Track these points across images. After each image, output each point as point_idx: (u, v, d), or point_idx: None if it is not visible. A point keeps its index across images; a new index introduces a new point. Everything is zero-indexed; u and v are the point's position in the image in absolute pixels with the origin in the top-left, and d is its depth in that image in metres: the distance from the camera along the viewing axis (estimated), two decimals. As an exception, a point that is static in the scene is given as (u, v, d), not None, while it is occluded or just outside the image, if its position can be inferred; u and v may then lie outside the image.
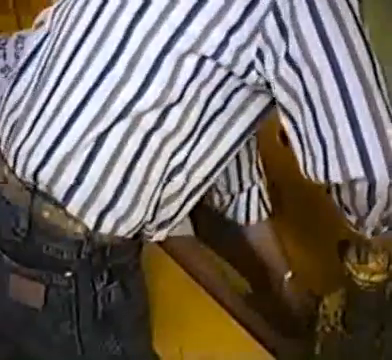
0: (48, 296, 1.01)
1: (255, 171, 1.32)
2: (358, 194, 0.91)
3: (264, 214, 1.34)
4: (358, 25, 0.89)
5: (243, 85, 0.95)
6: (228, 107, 0.97)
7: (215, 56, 0.91)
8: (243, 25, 0.89)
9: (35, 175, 0.97)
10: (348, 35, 0.88)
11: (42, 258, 0.99)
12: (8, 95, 1.07)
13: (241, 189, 1.33)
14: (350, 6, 0.89)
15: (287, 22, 0.88)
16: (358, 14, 0.89)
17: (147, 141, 0.95)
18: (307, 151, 0.91)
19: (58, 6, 1.07)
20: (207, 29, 0.90)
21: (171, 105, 0.94)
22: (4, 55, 1.51)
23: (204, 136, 0.98)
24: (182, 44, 0.91)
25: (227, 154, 1.02)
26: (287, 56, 0.89)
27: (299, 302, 1.35)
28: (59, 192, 0.97)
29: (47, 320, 1.04)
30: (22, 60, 1.07)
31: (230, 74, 0.93)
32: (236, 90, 0.96)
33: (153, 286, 1.18)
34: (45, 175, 0.97)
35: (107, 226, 0.98)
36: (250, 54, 0.91)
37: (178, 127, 0.96)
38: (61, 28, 1.02)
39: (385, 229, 1.01)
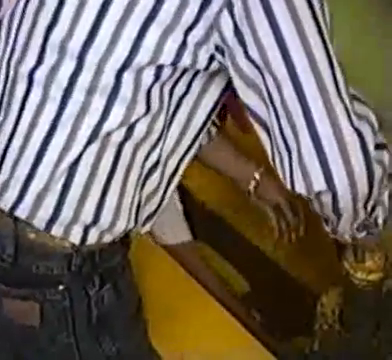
0: (43, 312, 1.00)
1: None
2: (324, 206, 0.91)
3: (212, 131, 1.28)
4: (318, 26, 0.85)
5: (198, 72, 0.93)
6: (191, 91, 0.95)
7: (174, 63, 0.90)
8: (199, 23, 0.87)
9: (17, 202, 0.97)
10: (306, 38, 0.84)
11: (32, 277, 0.99)
12: None
13: None
14: (311, 5, 0.85)
15: (243, 22, 0.86)
16: (319, 14, 0.86)
17: (120, 153, 0.95)
18: (277, 159, 0.90)
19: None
20: (162, 40, 0.89)
21: (138, 118, 0.93)
22: None
23: (173, 125, 0.97)
24: (140, 59, 0.89)
25: (195, 138, 1.01)
26: (247, 55, 0.87)
27: (278, 195, 1.30)
28: (39, 223, 0.97)
29: (44, 334, 1.03)
30: None
31: (187, 70, 0.92)
32: (196, 74, 0.94)
33: (151, 285, 1.19)
34: (22, 212, 0.96)
35: (93, 238, 0.98)
36: (208, 50, 0.89)
37: (148, 132, 0.95)
38: (9, 59, 0.99)
39: (363, 234, 1.01)
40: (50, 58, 0.93)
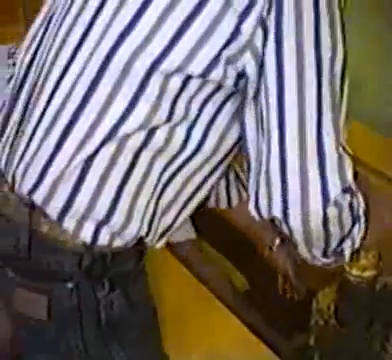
0: (51, 307, 1.01)
1: None
2: (284, 230, 0.95)
3: (244, 193, 1.33)
4: (319, 98, 0.89)
5: (233, 94, 0.94)
6: (222, 113, 0.96)
7: (203, 75, 0.90)
8: (237, 37, 0.88)
9: (34, 188, 0.98)
10: (303, 111, 0.89)
11: (44, 271, 1.00)
12: (8, 116, 1.08)
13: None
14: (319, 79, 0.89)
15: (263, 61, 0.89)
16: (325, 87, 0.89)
17: (137, 159, 0.95)
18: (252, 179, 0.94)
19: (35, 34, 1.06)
20: (194, 49, 0.89)
21: (158, 125, 0.93)
22: (14, 64, 1.50)
23: (207, 141, 0.97)
24: (168, 65, 0.90)
25: (220, 162, 1.01)
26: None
27: (291, 265, 1.35)
28: (53, 212, 0.97)
29: (53, 331, 1.04)
30: (16, 83, 1.07)
31: (219, 87, 0.93)
32: (228, 98, 0.95)
33: (157, 288, 1.17)
34: (38, 196, 0.98)
35: (104, 239, 0.98)
36: (238, 67, 0.90)
37: (167, 143, 0.95)
38: (48, 52, 1.01)
39: (328, 261, 1.03)
40: (85, 51, 0.95)
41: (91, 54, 0.94)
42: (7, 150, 1.05)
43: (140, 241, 1.02)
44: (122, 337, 1.05)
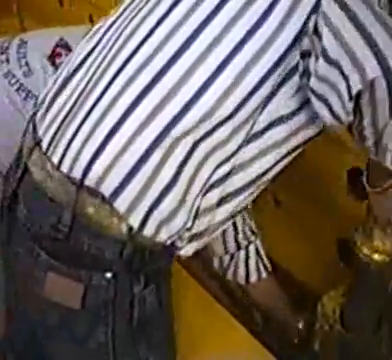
0: (86, 296, 0.99)
1: (249, 232, 1.35)
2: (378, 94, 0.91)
3: (263, 273, 1.36)
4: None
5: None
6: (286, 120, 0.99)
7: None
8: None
9: (88, 166, 0.96)
10: None
11: (83, 256, 0.98)
12: (56, 95, 1.06)
13: (238, 248, 1.36)
14: None
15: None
16: None
17: (194, 149, 0.95)
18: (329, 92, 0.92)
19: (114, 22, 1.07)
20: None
21: (222, 120, 0.95)
22: (7, 59, 1.49)
23: (249, 146, 0.99)
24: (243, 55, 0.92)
25: (258, 179, 1.03)
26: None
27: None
28: (108, 186, 0.96)
29: (83, 322, 1.02)
30: (71, 67, 1.07)
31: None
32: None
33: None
34: (93, 176, 0.96)
35: (150, 228, 0.97)
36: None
37: (227, 141, 0.96)
38: (115, 41, 1.02)
39: None
40: (148, 48, 0.96)
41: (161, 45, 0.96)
42: (53, 130, 1.02)
43: (173, 244, 1.01)
44: (151, 338, 1.04)
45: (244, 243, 1.34)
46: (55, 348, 1.08)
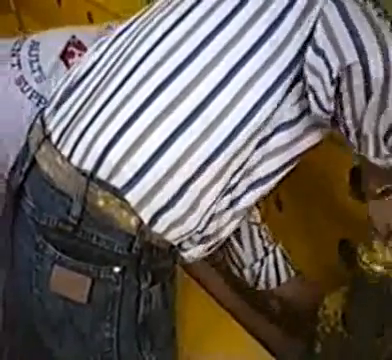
0: (93, 290, 0.98)
1: (270, 236, 1.38)
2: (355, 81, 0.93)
3: (292, 271, 1.38)
4: None
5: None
6: (296, 122, 1.00)
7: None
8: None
9: (102, 156, 0.95)
10: None
11: (91, 250, 0.97)
12: (70, 90, 1.06)
13: (266, 253, 1.37)
14: None
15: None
16: None
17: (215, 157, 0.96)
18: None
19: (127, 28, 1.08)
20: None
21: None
22: (18, 63, 1.45)
23: (258, 149, 0.99)
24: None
25: (274, 174, 1.04)
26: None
27: None
28: (121, 178, 0.95)
29: (88, 317, 1.01)
30: (84, 67, 1.06)
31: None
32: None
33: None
34: (115, 155, 0.95)
35: (160, 226, 0.97)
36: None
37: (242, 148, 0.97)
38: (133, 39, 1.03)
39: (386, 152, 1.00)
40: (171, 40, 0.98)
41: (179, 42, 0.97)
42: (64, 124, 1.01)
43: (180, 245, 1.02)
44: (154, 337, 1.04)
45: (270, 248, 1.36)
46: (57, 343, 1.07)
